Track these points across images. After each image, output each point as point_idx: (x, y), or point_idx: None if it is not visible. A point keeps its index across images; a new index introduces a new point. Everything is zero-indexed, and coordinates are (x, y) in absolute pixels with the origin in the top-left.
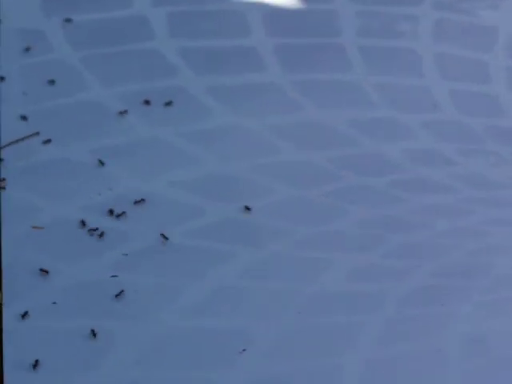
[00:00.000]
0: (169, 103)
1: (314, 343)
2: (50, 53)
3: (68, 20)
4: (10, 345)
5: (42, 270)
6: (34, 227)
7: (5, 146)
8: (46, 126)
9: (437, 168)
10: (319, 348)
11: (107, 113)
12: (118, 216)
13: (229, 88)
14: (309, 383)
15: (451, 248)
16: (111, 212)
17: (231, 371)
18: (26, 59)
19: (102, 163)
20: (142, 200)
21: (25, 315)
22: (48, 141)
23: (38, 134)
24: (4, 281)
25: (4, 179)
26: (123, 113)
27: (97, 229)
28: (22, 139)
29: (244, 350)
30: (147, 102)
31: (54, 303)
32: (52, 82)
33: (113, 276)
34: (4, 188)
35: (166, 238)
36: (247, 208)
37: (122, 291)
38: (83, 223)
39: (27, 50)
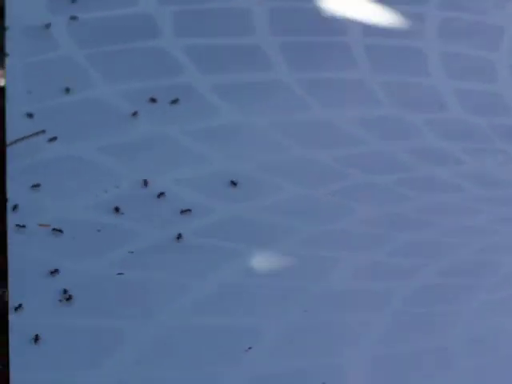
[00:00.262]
0: (175, 101)
1: (320, 341)
2: (55, 50)
3: (74, 18)
4: (16, 342)
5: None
6: (40, 225)
7: (11, 144)
8: (51, 124)
9: (444, 166)
10: (325, 346)
11: (113, 111)
12: (124, 214)
13: (235, 86)
14: (315, 381)
15: (458, 246)
16: (117, 210)
17: (237, 369)
18: (32, 57)
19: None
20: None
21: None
22: (54, 138)
23: (43, 132)
24: (10, 278)
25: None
26: (135, 114)
27: None
28: (28, 137)
29: (250, 348)
30: (153, 100)
31: (60, 301)
32: (57, 80)
33: (119, 274)
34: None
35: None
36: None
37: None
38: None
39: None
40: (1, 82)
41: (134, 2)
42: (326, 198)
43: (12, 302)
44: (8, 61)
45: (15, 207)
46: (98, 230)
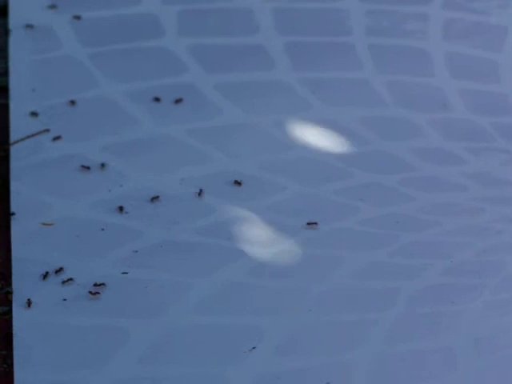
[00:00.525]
0: (179, 100)
1: (325, 341)
2: (59, 49)
3: (77, 17)
4: (20, 342)
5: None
6: (43, 224)
7: (15, 143)
8: (55, 123)
9: (447, 166)
10: (329, 345)
11: (117, 110)
12: (128, 213)
13: (239, 85)
14: (319, 380)
15: (462, 246)
16: (121, 209)
17: (241, 368)
18: (35, 56)
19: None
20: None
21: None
22: (58, 137)
23: (48, 130)
24: (14, 277)
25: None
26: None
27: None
28: (32, 136)
29: (254, 347)
30: (157, 100)
31: (64, 300)
32: (61, 78)
33: (123, 273)
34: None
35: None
36: None
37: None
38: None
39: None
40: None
41: (137, 2)
42: (329, 198)
43: (16, 302)
44: (12, 59)
45: (19, 206)
46: (102, 229)
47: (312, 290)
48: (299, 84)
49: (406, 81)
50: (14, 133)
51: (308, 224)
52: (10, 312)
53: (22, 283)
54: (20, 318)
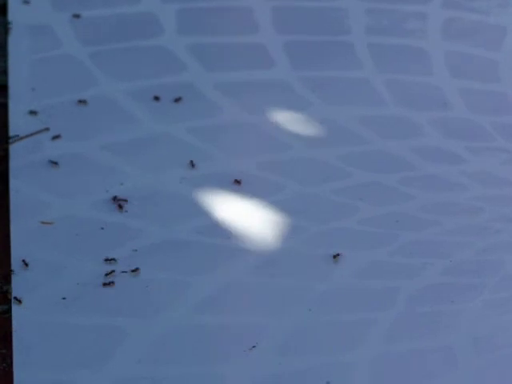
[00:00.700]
0: (178, 99)
1: (325, 340)
2: (58, 48)
3: (77, 16)
4: (19, 339)
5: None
6: (42, 222)
7: (14, 142)
8: (55, 122)
9: (447, 165)
10: (329, 345)
11: (117, 108)
12: (128, 212)
13: (238, 84)
14: (319, 380)
15: (461, 246)
16: (121, 207)
17: (241, 368)
18: (35, 54)
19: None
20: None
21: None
22: (57, 136)
23: (47, 129)
24: (13, 276)
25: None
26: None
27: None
28: (32, 135)
29: (254, 346)
30: (157, 98)
31: (64, 299)
32: (61, 77)
33: (122, 272)
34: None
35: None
36: None
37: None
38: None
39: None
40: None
41: (137, 0)
42: (329, 197)
43: (16, 301)
44: (11, 58)
45: (18, 205)
46: (102, 228)
47: (312, 289)
48: (299, 83)
49: (406, 80)
50: (14, 131)
51: (334, 257)
52: (9, 311)
53: (22, 281)
54: (19, 317)
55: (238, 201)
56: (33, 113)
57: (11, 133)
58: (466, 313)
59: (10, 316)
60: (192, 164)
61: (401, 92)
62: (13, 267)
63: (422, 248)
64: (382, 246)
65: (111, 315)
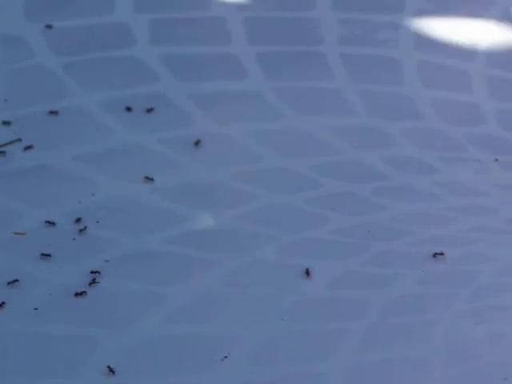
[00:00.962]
0: (150, 110)
1: (297, 350)
2: (31, 59)
3: (49, 26)
4: None
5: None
6: (16, 233)
7: None
8: (27, 133)
9: (419, 176)
10: (302, 355)
11: (89, 119)
12: (99, 222)
13: (211, 95)
14: None
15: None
16: (92, 218)
17: (213, 378)
18: (7, 65)
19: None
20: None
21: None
22: (29, 147)
23: (19, 140)
24: None
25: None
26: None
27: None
28: (4, 145)
29: (226, 356)
30: (128, 109)
31: (36, 309)
32: (33, 88)
33: (94, 282)
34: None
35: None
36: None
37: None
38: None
39: None
40: None
41: (109, 11)
42: (301, 207)
43: None
44: None
45: None
46: (74, 239)
47: (284, 299)
48: (272, 93)
49: (378, 90)
50: None
51: (306, 273)
52: None
53: None
54: None
55: (209, 211)
56: (6, 123)
57: None
58: (439, 323)
59: None
60: (151, 178)
61: (373, 102)
62: None
63: (395, 258)
64: (355, 255)
65: (83, 325)
